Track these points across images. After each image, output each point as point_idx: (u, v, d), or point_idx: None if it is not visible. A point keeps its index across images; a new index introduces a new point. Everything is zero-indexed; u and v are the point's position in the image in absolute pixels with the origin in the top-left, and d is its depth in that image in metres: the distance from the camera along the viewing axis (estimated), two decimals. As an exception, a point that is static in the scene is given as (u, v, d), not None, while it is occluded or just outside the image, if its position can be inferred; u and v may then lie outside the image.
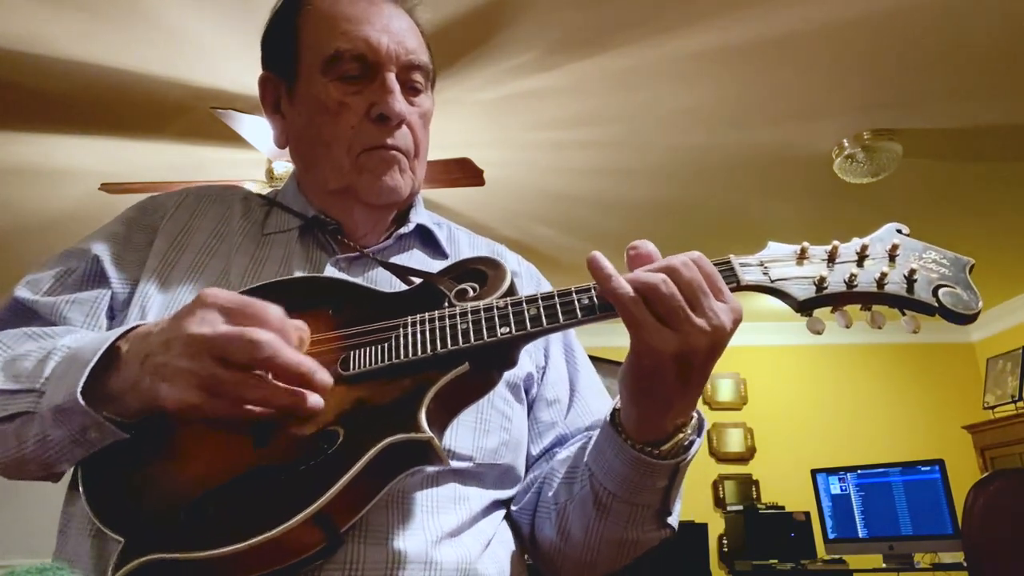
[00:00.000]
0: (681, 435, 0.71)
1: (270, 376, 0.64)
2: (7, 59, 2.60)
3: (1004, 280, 5.10)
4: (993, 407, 5.00)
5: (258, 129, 2.74)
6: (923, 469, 4.19)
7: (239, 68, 2.71)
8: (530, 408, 0.92)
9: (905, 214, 3.98)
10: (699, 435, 0.73)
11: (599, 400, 0.96)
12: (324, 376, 0.64)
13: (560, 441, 0.92)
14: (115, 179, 3.23)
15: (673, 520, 0.79)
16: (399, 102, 0.86)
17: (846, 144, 3.26)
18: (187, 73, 2.73)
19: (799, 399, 5.76)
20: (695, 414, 0.73)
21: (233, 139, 2.96)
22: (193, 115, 2.98)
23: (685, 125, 3.17)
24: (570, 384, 0.96)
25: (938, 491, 4.07)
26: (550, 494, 0.84)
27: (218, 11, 2.43)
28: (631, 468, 0.72)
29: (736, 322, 0.65)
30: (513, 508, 0.88)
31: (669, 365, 0.64)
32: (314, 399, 0.64)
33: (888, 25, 2.55)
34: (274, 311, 0.65)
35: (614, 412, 0.75)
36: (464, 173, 2.99)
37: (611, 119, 3.12)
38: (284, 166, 3.13)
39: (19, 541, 4.74)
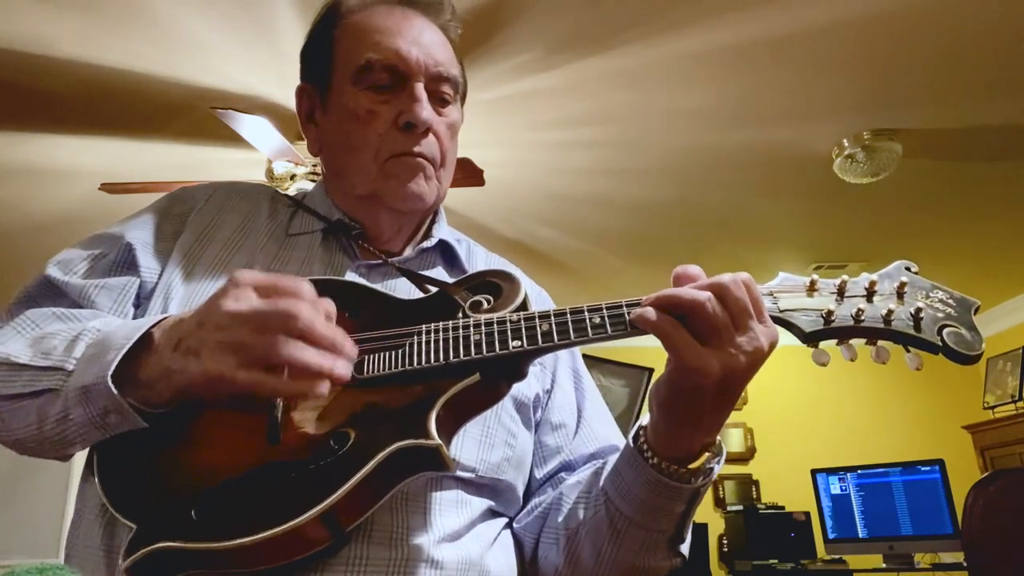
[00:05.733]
0: (706, 456, 0.73)
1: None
2: (7, 59, 2.60)
3: (1004, 280, 5.10)
4: (993, 407, 5.00)
5: (258, 129, 2.74)
6: (923, 469, 4.19)
7: (239, 68, 2.71)
8: (535, 430, 0.92)
9: (905, 214, 4.00)
10: (719, 461, 0.74)
11: (605, 427, 0.96)
12: (352, 347, 0.65)
13: (565, 467, 0.92)
14: (115, 179, 3.23)
15: (684, 548, 0.80)
16: (425, 110, 0.87)
17: (846, 144, 3.26)
18: (187, 73, 2.74)
19: (799, 399, 5.76)
20: (717, 439, 0.74)
21: (233, 139, 2.97)
22: (193, 115, 2.99)
23: (685, 125, 3.17)
24: (577, 409, 0.96)
25: (938, 491, 4.07)
26: (559, 519, 0.84)
27: (218, 11, 2.43)
28: (651, 491, 0.73)
29: (772, 346, 0.67)
30: (516, 526, 0.88)
31: (710, 386, 0.65)
32: (342, 366, 0.63)
33: (888, 25, 2.55)
34: (307, 287, 0.65)
35: (636, 435, 0.75)
36: (464, 173, 2.99)
37: (611, 119, 3.12)
38: (284, 166, 3.13)
39: (19, 541, 4.75)
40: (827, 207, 3.93)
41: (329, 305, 0.66)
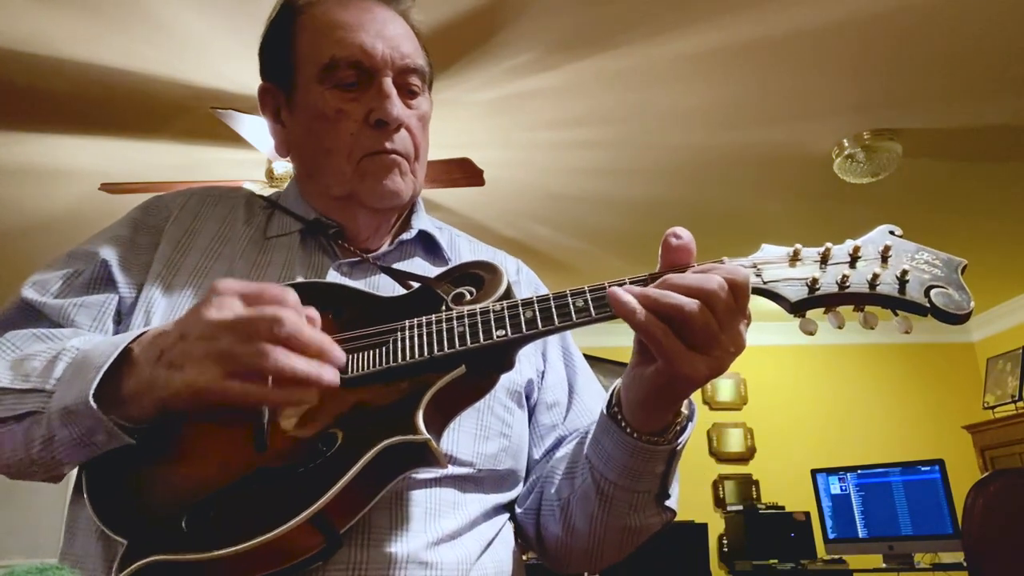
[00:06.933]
0: (678, 420, 0.74)
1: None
2: (7, 59, 2.60)
3: (1004, 280, 5.10)
4: (993, 407, 5.00)
5: (258, 129, 2.74)
6: (923, 469, 4.19)
7: (239, 68, 2.71)
8: (531, 413, 0.93)
9: (905, 214, 3.99)
10: (691, 418, 0.75)
11: (596, 401, 0.96)
12: (340, 352, 0.64)
13: (560, 443, 0.93)
14: (115, 179, 3.23)
15: (672, 503, 0.80)
16: (396, 106, 0.86)
17: (846, 144, 3.26)
18: (187, 73, 2.73)
19: (799, 399, 5.76)
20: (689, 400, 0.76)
21: (233, 139, 2.97)
22: (193, 115, 2.99)
23: (685, 125, 3.17)
24: (569, 386, 0.97)
25: (938, 491, 4.07)
26: (552, 491, 0.85)
27: (218, 11, 2.43)
28: (631, 456, 0.73)
29: (745, 331, 0.67)
30: (518, 510, 0.89)
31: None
32: (330, 372, 0.62)
33: (888, 25, 2.55)
34: (291, 294, 0.64)
35: (610, 404, 0.76)
36: (464, 173, 2.99)
37: (611, 119, 3.12)
38: (284, 166, 3.13)
39: (19, 541, 4.75)
40: (827, 207, 3.93)
41: (313, 312, 0.66)
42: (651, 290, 0.64)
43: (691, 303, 0.62)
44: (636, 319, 0.63)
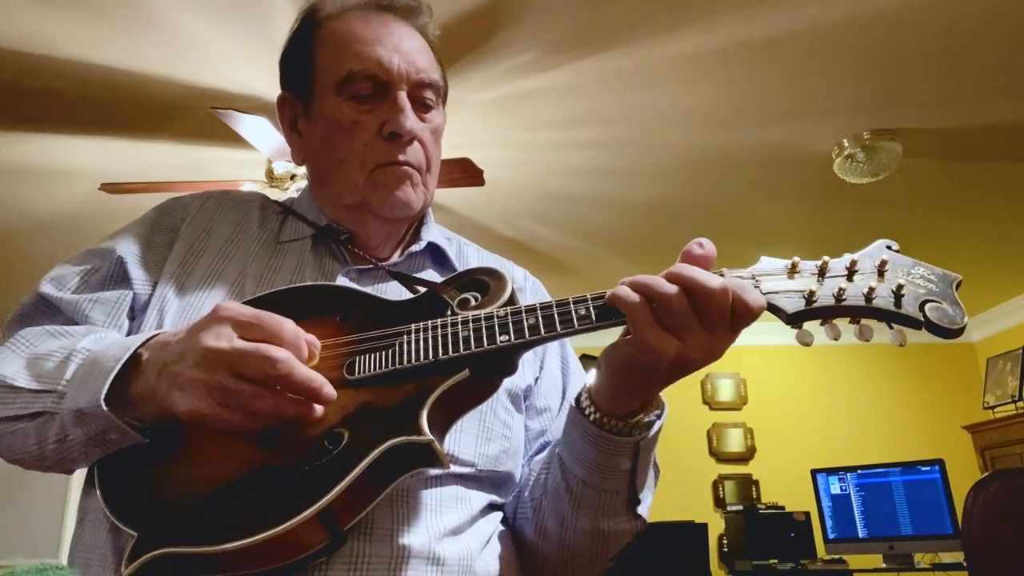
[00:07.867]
0: (643, 412, 0.74)
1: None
2: (7, 59, 2.60)
3: (1004, 280, 5.10)
4: (993, 407, 5.00)
5: (258, 129, 2.75)
6: (923, 469, 4.19)
7: (239, 68, 2.71)
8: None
9: (905, 214, 4.00)
10: (660, 417, 0.76)
11: None
12: (330, 391, 0.67)
13: (543, 449, 0.94)
14: (115, 179, 3.23)
15: (643, 511, 0.81)
16: (410, 119, 0.88)
17: (846, 144, 3.26)
18: (187, 73, 2.74)
19: (799, 399, 5.76)
20: (659, 396, 0.76)
21: (233, 139, 2.97)
22: (193, 115, 2.99)
23: (685, 125, 3.17)
24: (562, 394, 0.98)
25: (938, 491, 4.07)
26: (526, 493, 0.87)
27: (218, 12, 2.43)
28: (594, 447, 0.75)
29: (729, 345, 0.69)
30: None
31: (661, 367, 0.67)
32: (316, 412, 0.67)
33: (888, 25, 2.55)
34: (288, 326, 0.67)
35: (579, 394, 0.77)
36: (464, 173, 2.99)
37: (611, 119, 3.12)
38: (284, 166, 3.13)
39: (19, 541, 4.75)
40: (827, 207, 3.93)
41: (312, 340, 0.69)
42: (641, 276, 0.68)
43: (670, 288, 0.65)
44: (617, 294, 0.67)
